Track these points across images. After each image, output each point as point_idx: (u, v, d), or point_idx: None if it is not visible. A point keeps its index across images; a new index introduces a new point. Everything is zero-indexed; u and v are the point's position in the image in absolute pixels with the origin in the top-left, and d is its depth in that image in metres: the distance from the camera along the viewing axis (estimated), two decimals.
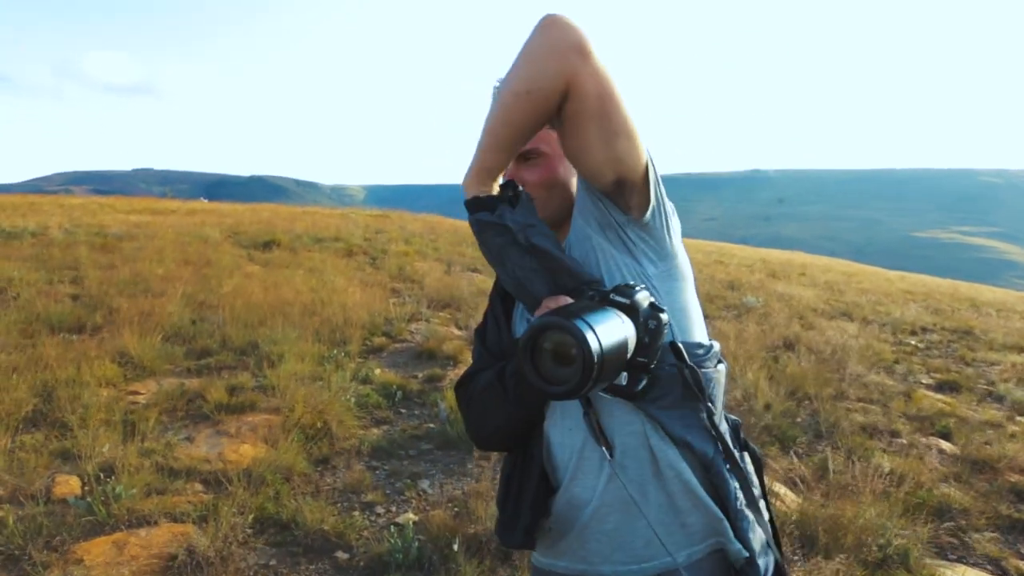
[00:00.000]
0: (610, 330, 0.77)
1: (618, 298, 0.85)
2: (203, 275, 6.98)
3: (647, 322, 0.84)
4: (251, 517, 2.66)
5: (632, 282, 0.92)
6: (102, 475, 2.81)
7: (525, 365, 0.78)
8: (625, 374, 0.84)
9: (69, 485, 2.80)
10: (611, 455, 0.91)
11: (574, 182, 1.02)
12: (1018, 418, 4.72)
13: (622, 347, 0.78)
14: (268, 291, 6.40)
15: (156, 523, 2.57)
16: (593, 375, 0.73)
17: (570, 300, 0.88)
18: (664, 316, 0.86)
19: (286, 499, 2.84)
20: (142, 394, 3.88)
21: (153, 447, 3.15)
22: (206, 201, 22.69)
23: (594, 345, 0.72)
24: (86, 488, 2.78)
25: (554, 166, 1.03)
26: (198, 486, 2.92)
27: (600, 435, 0.91)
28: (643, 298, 0.86)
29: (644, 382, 0.86)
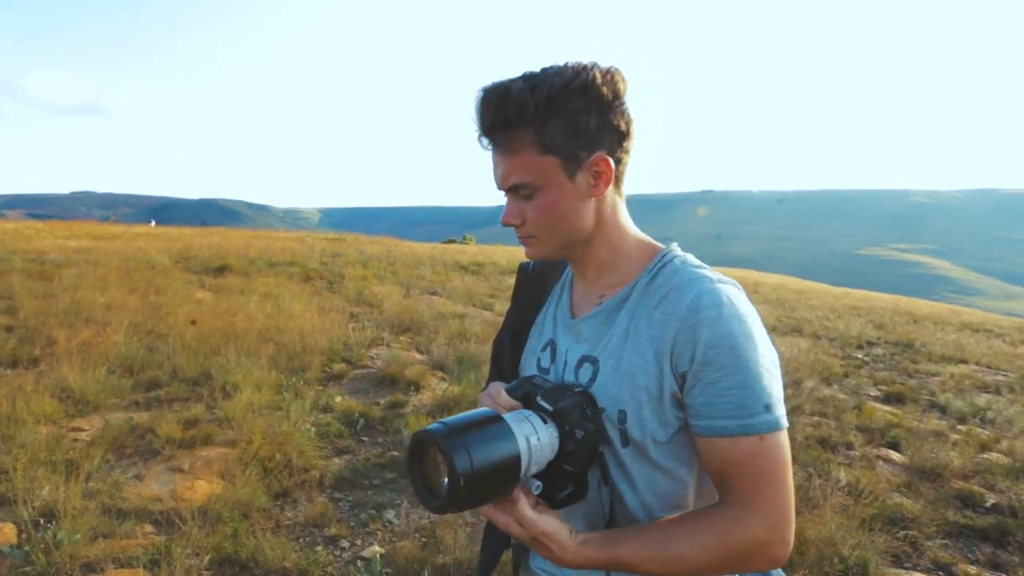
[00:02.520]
0: (492, 447, 0.74)
1: (543, 403, 0.82)
2: (151, 303, 6.70)
3: (573, 431, 0.81)
4: (207, 558, 2.53)
5: (571, 383, 0.89)
6: (41, 521, 2.63)
7: (411, 472, 0.77)
8: (539, 483, 0.81)
9: (3, 533, 2.60)
10: None
11: (585, 207, 0.88)
12: (959, 427, 4.96)
13: (506, 464, 0.75)
14: (221, 318, 6.18)
15: (103, 570, 2.41)
16: (459, 495, 0.71)
17: (503, 393, 0.86)
18: (594, 426, 0.82)
19: (244, 537, 2.71)
20: (86, 430, 3.67)
21: (99, 487, 2.96)
22: (155, 225, 21.89)
23: (461, 464, 0.70)
24: (23, 536, 2.59)
25: (554, 198, 0.86)
26: (149, 527, 2.76)
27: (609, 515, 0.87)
28: (572, 405, 0.82)
29: (568, 490, 0.83)
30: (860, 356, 7.63)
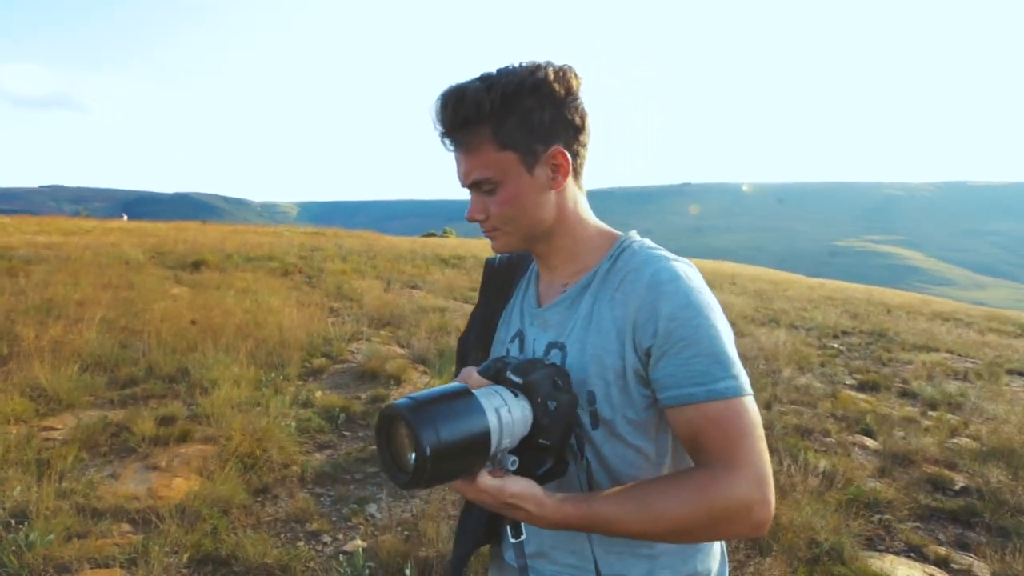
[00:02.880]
0: (460, 422, 0.73)
1: (513, 377, 0.81)
2: (125, 299, 6.56)
3: (546, 403, 0.80)
4: (186, 556, 2.49)
5: (541, 357, 0.90)
6: (13, 522, 2.57)
7: (379, 447, 0.75)
8: (514, 458, 0.79)
9: None
10: None
11: (546, 200, 0.91)
12: (930, 413, 5.09)
13: (475, 439, 0.73)
14: (198, 313, 6.08)
15: (78, 570, 2.37)
16: (426, 471, 0.70)
17: (474, 374, 0.85)
18: (567, 396, 0.82)
19: (224, 534, 2.68)
20: (58, 429, 3.59)
21: (72, 487, 2.90)
22: (127, 219, 21.39)
23: (428, 439, 0.69)
24: None
25: (515, 191, 0.89)
26: (125, 526, 2.71)
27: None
28: (543, 377, 0.81)
29: (547, 466, 0.82)
30: (836, 345, 7.78)
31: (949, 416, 4.98)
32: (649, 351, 0.84)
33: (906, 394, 5.69)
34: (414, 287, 9.71)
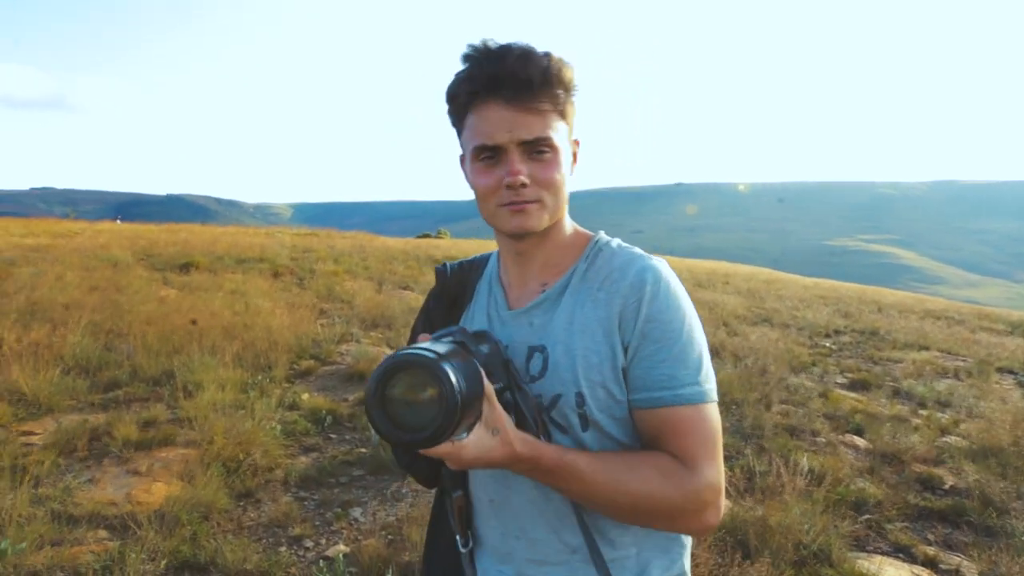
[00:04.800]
0: (465, 367, 0.69)
1: (443, 340, 0.77)
2: (112, 301, 6.49)
3: (479, 348, 0.80)
4: (163, 563, 2.45)
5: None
6: None
7: (374, 412, 0.66)
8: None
9: None
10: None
11: (568, 183, 0.91)
12: (921, 411, 5.08)
13: (480, 386, 0.70)
14: (186, 315, 6.02)
15: None
16: (456, 416, 0.64)
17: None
18: (490, 338, 0.83)
19: (204, 539, 2.64)
20: (37, 434, 3.53)
21: (49, 493, 2.85)
22: (121, 221, 21.19)
23: (455, 380, 0.64)
24: None
25: (562, 164, 0.88)
26: (102, 533, 2.66)
27: None
28: (463, 333, 0.80)
29: (510, 409, 0.81)
30: (827, 344, 7.78)
31: (939, 415, 4.97)
32: (627, 348, 0.85)
33: (897, 393, 5.69)
34: (406, 288, 9.66)
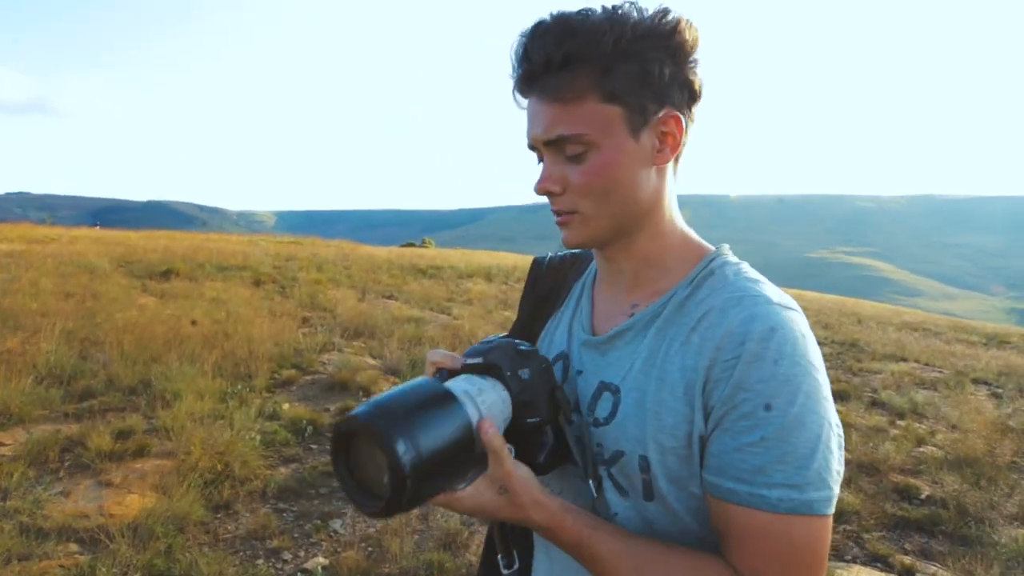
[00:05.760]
0: (437, 421, 0.58)
1: (472, 360, 0.68)
2: (87, 308, 6.37)
3: (516, 374, 0.67)
4: None
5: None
6: None
7: (338, 473, 0.59)
8: (509, 445, 0.65)
9: None
10: None
11: (646, 177, 0.70)
12: (899, 422, 5.15)
13: (459, 439, 0.59)
14: (164, 323, 5.93)
15: None
16: (407, 489, 0.54)
17: (444, 354, 0.71)
18: (537, 360, 0.68)
19: (179, 552, 2.58)
20: (7, 445, 3.44)
21: (18, 505, 2.78)
22: (100, 228, 20.86)
23: (405, 453, 0.54)
24: None
25: (611, 158, 0.68)
26: (73, 546, 2.59)
27: None
28: (502, 349, 0.68)
29: (548, 446, 0.69)
30: None
31: (916, 425, 5.05)
32: (709, 415, 0.65)
33: (875, 403, 5.77)
34: (390, 297, 9.61)
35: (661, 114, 0.68)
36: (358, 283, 10.52)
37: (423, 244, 34.43)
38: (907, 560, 2.91)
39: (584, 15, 0.66)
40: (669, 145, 0.70)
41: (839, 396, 5.94)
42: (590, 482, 0.70)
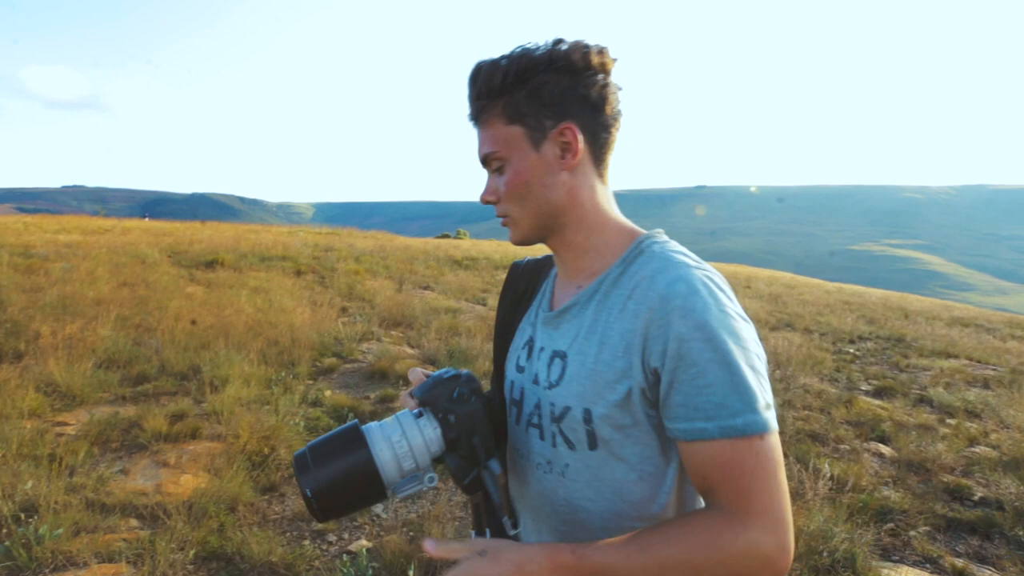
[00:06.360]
0: (340, 460, 0.78)
1: (411, 399, 0.86)
2: (140, 297, 6.64)
3: (447, 417, 0.81)
4: (192, 552, 2.50)
5: (445, 373, 0.86)
6: (23, 515, 2.60)
7: (300, 485, 0.79)
8: (431, 475, 0.82)
9: None
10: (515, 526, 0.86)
11: (554, 181, 0.84)
12: (948, 420, 4.98)
13: (358, 471, 0.78)
14: (211, 312, 6.14)
15: (85, 564, 2.39)
16: (316, 507, 0.78)
17: (419, 375, 0.94)
18: (467, 407, 0.81)
19: (231, 531, 2.69)
20: (71, 425, 3.63)
21: (83, 482, 2.93)
22: (149, 219, 21.66)
23: (306, 483, 0.77)
24: (4, 531, 2.56)
25: (521, 169, 0.83)
26: (133, 522, 2.73)
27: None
28: (440, 392, 0.82)
29: (472, 475, 0.82)
30: (852, 351, 7.65)
31: (968, 424, 4.87)
32: (657, 373, 0.75)
33: (923, 401, 5.58)
34: (426, 288, 9.72)
35: (559, 127, 0.82)
36: (395, 274, 10.67)
37: (458, 235, 34.65)
38: (959, 563, 2.82)
39: (495, 60, 0.83)
40: (571, 152, 0.83)
41: (885, 392, 5.76)
42: (506, 517, 0.83)
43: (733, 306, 0.76)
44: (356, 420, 0.84)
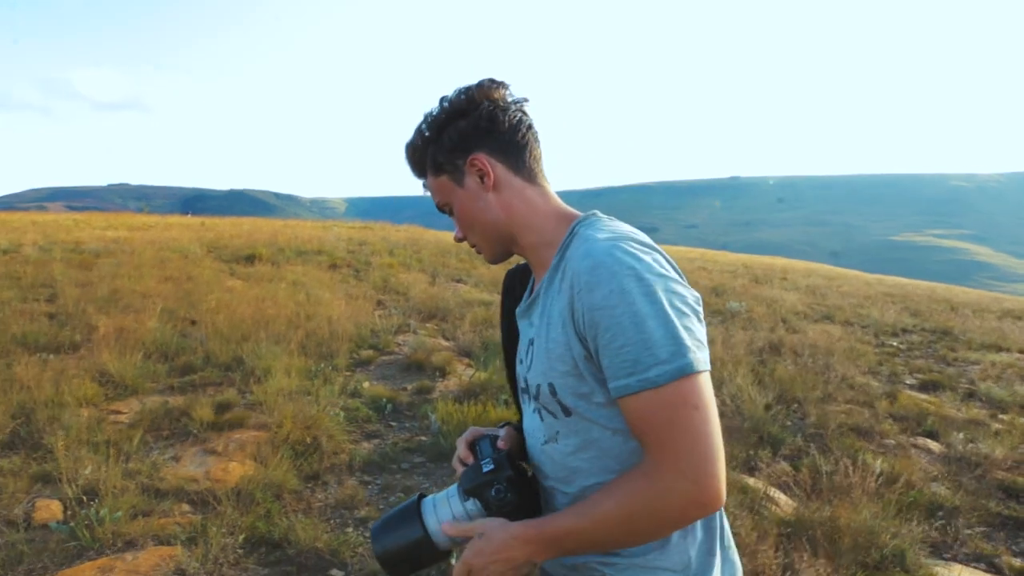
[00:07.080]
0: (398, 534, 0.96)
1: (461, 487, 0.97)
2: (184, 290, 6.86)
3: (490, 504, 0.94)
4: (242, 537, 2.59)
5: (485, 464, 0.97)
6: (85, 498, 2.73)
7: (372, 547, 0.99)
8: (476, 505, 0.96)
9: (50, 510, 2.71)
10: None
11: (486, 204, 0.97)
12: (1001, 416, 4.80)
13: (414, 543, 0.95)
14: (251, 305, 6.30)
15: (143, 546, 2.49)
16: (387, 568, 0.97)
17: (471, 436, 1.07)
18: (505, 505, 0.92)
19: (277, 517, 2.77)
20: (124, 413, 3.78)
21: (138, 467, 3.06)
22: (192, 216, 22.33)
23: (376, 550, 0.97)
24: (68, 513, 2.69)
25: (460, 206, 0.99)
26: (185, 506, 2.84)
27: None
28: (483, 484, 0.94)
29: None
30: (895, 344, 7.43)
31: (1022, 420, 4.68)
32: (585, 340, 0.84)
33: (972, 395, 5.39)
34: (459, 281, 9.79)
35: (467, 161, 0.95)
36: (428, 267, 10.77)
37: None
38: (1016, 562, 2.72)
39: (411, 138, 1.00)
40: (486, 175, 0.95)
41: (931, 386, 5.59)
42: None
43: (641, 262, 0.81)
44: (417, 495, 0.99)
